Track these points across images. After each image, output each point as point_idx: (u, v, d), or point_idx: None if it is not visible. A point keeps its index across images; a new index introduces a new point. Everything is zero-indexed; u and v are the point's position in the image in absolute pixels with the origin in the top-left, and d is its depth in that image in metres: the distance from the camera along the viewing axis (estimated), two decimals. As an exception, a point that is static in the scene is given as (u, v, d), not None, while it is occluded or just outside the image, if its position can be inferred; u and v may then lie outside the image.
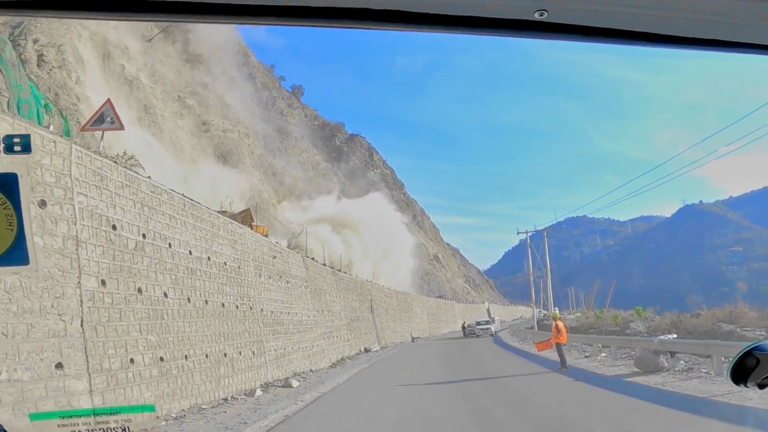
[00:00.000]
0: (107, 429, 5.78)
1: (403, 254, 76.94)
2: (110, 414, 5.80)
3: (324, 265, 32.73)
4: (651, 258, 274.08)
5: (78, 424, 5.54)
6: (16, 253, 2.80)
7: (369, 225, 67.10)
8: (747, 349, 1.48)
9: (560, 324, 18.97)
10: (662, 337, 17.76)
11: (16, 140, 2.94)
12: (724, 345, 14.36)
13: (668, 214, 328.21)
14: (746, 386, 1.52)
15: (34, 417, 6.81)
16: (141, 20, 1.59)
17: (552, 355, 19.80)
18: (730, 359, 1.51)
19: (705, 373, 14.14)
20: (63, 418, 5.80)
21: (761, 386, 1.50)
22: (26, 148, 2.91)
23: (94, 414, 5.83)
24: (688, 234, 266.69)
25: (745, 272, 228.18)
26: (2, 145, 2.90)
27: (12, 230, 2.78)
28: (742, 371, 1.49)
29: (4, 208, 2.77)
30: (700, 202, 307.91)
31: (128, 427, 5.92)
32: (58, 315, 9.07)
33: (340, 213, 63.04)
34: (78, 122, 26.33)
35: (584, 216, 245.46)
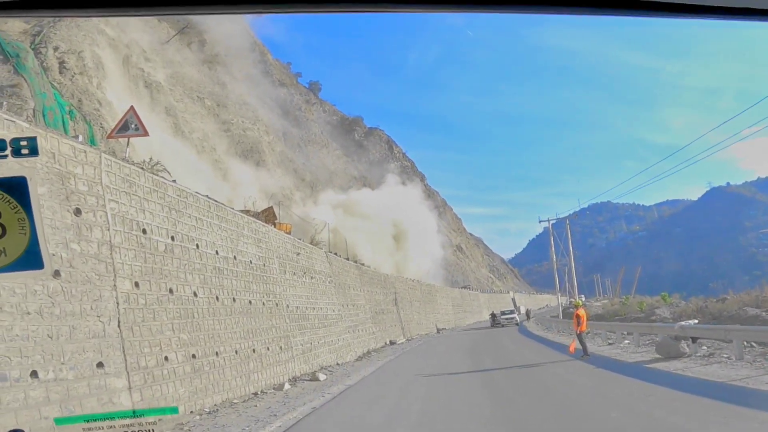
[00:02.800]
0: None
1: (429, 238, 76.36)
2: (134, 417, 6.17)
3: (347, 259, 33.15)
4: (679, 242, 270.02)
5: (103, 428, 5.91)
6: (31, 258, 2.78)
7: (392, 210, 66.84)
8: None
9: (581, 312, 19.07)
10: (683, 322, 17.81)
11: (24, 143, 2.83)
12: (743, 329, 14.40)
13: (695, 198, 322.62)
14: None
15: (60, 421, 7.05)
16: (150, 14, 1.68)
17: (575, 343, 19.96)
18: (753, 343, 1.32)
19: (726, 358, 14.21)
20: (87, 422, 6.12)
21: None
22: (33, 151, 2.91)
23: (119, 417, 6.18)
24: (716, 217, 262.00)
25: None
26: (10, 148, 2.81)
27: (25, 234, 2.77)
28: None
29: (16, 212, 2.76)
30: (728, 184, 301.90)
31: (153, 430, 6.26)
32: (97, 317, 9.58)
33: (360, 203, 63.02)
34: (101, 127, 27.05)
35: (608, 202, 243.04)
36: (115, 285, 10.27)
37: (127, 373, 10.03)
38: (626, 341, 21.77)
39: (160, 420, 10.56)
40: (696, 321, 19.24)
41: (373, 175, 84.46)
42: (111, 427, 5.92)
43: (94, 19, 37.19)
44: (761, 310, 20.59)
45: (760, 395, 9.20)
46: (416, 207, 79.12)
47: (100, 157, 10.74)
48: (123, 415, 6.18)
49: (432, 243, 78.83)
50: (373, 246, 55.83)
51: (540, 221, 51.74)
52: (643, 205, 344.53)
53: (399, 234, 67.93)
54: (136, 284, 11.00)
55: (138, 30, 44.60)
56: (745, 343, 14.62)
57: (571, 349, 19.11)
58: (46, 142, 9.39)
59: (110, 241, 10.42)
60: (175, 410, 7.95)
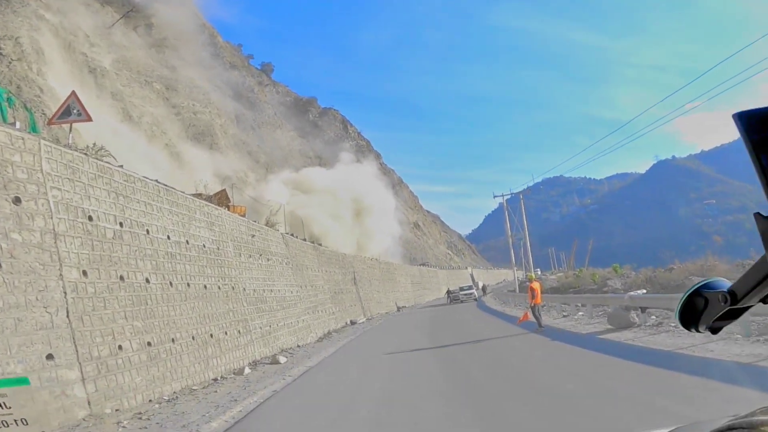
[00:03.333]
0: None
1: (387, 216, 76.14)
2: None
3: (304, 240, 32.98)
4: (628, 214, 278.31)
5: None
6: None
7: (350, 187, 66.35)
8: (694, 289, 1.28)
9: (535, 285, 19.49)
10: (632, 293, 18.36)
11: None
12: (689, 297, 14.87)
13: (642, 171, 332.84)
14: (698, 330, 1.30)
15: None
16: None
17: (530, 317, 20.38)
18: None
19: (674, 327, 14.67)
20: None
21: (713, 330, 1.30)
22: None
23: None
24: (662, 189, 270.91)
25: (720, 225, 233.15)
26: None
27: None
28: (692, 314, 1.28)
29: None
30: (673, 157, 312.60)
31: (4, 403, 5.90)
32: (44, 307, 9.26)
33: (315, 181, 62.32)
34: (43, 114, 25.99)
35: (561, 176, 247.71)
36: (61, 274, 9.93)
37: (80, 364, 9.76)
38: (580, 313, 22.32)
39: (117, 410, 10.37)
40: (645, 291, 19.86)
41: (328, 155, 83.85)
42: None
43: (32, 3, 35.70)
44: (706, 278, 21.35)
45: (704, 362, 9.57)
46: (373, 183, 78.80)
47: (39, 143, 10.31)
48: None
49: (390, 220, 78.76)
50: (333, 224, 55.54)
51: (494, 196, 52.14)
52: (594, 178, 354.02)
53: (359, 210, 67.53)
54: (84, 273, 10.67)
55: (81, 15, 42.95)
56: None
57: (521, 319, 19.57)
58: (-20, 128, 8.96)
59: (54, 230, 10.05)
60: (26, 381, 7.57)
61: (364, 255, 51.75)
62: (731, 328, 12.65)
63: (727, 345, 10.85)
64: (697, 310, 1.27)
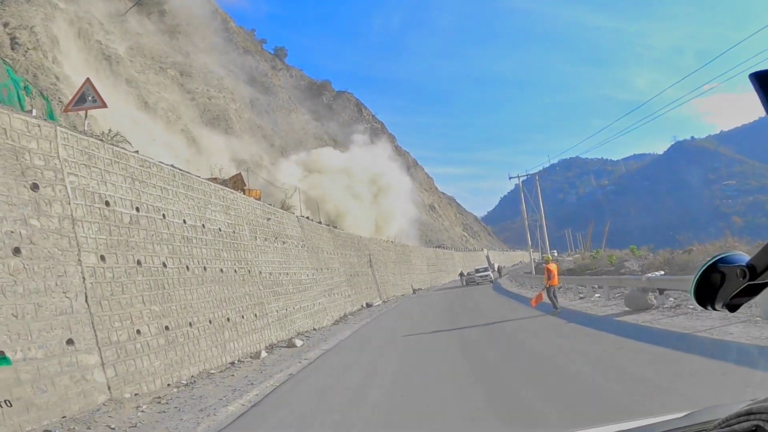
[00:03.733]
0: None
1: (404, 196, 75.80)
2: None
3: (319, 222, 33.06)
4: (646, 195, 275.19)
5: None
6: None
7: (364, 168, 66.18)
8: (710, 263, 1.20)
9: (552, 267, 19.38)
10: (649, 274, 18.18)
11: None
12: (707, 279, 14.68)
13: (660, 152, 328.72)
14: (714, 308, 1.22)
15: None
16: None
17: (547, 299, 20.30)
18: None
19: (692, 309, 14.53)
20: None
21: (731, 308, 1.21)
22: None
23: None
24: (681, 170, 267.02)
25: (740, 206, 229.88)
26: None
27: None
28: (708, 290, 1.21)
29: None
30: (692, 138, 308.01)
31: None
32: (63, 293, 9.38)
33: (330, 162, 62.27)
34: (60, 102, 26.18)
35: (577, 157, 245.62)
36: (79, 259, 10.05)
37: (99, 348, 9.90)
38: (597, 295, 22.18)
39: (137, 395, 10.53)
40: (662, 272, 19.65)
41: (343, 138, 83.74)
42: None
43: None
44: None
45: (724, 345, 9.45)
46: (388, 164, 78.61)
47: (56, 130, 10.39)
48: None
49: (406, 201, 78.60)
50: (351, 204, 55.57)
51: (510, 178, 51.56)
52: (611, 159, 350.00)
53: (377, 191, 67.33)
54: (102, 258, 10.78)
55: (94, 2, 43.02)
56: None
57: (534, 301, 19.48)
58: (-3, 116, 9.03)
59: (72, 215, 10.15)
60: (7, 361, 7.67)
61: (381, 236, 51.82)
62: (751, 310, 12.52)
63: (747, 327, 10.71)
64: (714, 287, 1.21)
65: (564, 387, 7.95)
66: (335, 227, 37.28)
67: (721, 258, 1.21)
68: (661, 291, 16.26)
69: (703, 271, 1.22)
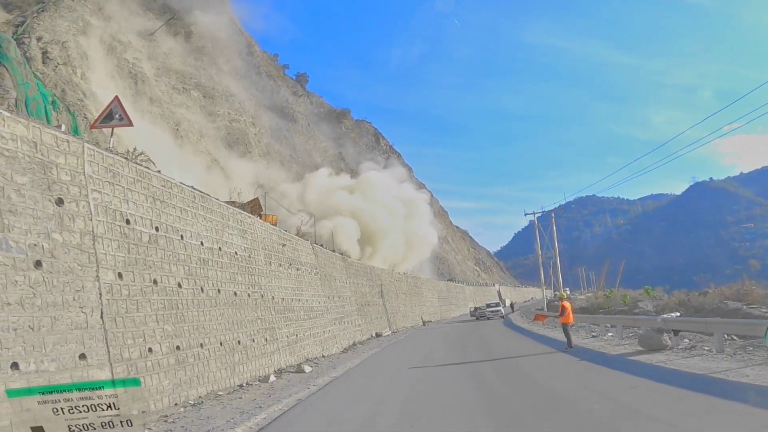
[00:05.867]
0: (91, 405, 5.90)
1: (423, 222, 74.86)
2: (92, 389, 5.97)
3: (333, 251, 33.13)
4: (662, 236, 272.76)
5: (59, 401, 5.73)
6: None
7: (393, 193, 65.59)
8: None
9: (566, 304, 19.27)
10: (665, 315, 18.00)
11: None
12: (724, 322, 14.53)
13: (678, 192, 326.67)
14: None
15: (12, 394, 6.65)
16: None
17: (560, 335, 20.13)
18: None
19: (707, 350, 14.37)
20: (42, 394, 5.90)
21: None
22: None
23: (77, 389, 5.96)
24: (699, 211, 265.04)
25: (757, 249, 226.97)
26: None
27: None
28: None
29: None
30: (711, 179, 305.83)
31: (114, 404, 6.05)
32: (80, 307, 9.49)
33: (345, 197, 62.29)
34: (85, 117, 26.75)
35: (593, 195, 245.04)
36: (97, 276, 10.17)
37: (110, 364, 9.96)
38: (610, 334, 21.97)
39: (144, 412, 10.51)
40: (678, 314, 19.43)
41: (360, 168, 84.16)
42: (68, 400, 5.79)
43: (78, 8, 36.77)
44: (742, 303, 20.81)
45: (740, 387, 9.31)
46: (413, 191, 78.50)
47: (83, 146, 10.62)
48: (79, 387, 6.01)
49: (431, 226, 77.79)
50: (388, 224, 55.37)
51: (525, 214, 51.77)
52: (627, 199, 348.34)
53: (408, 214, 66.40)
54: (120, 275, 10.91)
55: (124, 20, 44.07)
56: (726, 335, 14.81)
57: (537, 318, 19.29)
58: (28, 131, 9.26)
59: (93, 232, 10.32)
60: (136, 382, 7.73)
61: (410, 257, 51.44)
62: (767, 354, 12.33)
63: (763, 370, 10.58)
64: None
65: (576, 424, 7.85)
66: (348, 257, 37.26)
67: None
68: (676, 332, 16.13)
69: None
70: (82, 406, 5.84)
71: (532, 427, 8.01)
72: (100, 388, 6.05)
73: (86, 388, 5.97)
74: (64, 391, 5.89)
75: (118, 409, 5.88)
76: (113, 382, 6.52)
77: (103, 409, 5.86)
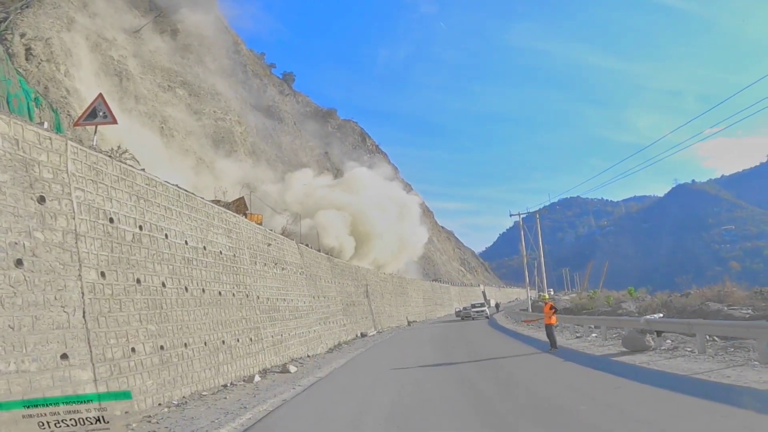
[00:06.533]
0: (79, 419, 5.73)
1: (413, 222, 74.41)
2: (80, 402, 5.82)
3: (318, 251, 33.05)
4: (645, 237, 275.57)
5: (45, 414, 5.56)
6: None
7: (384, 192, 65.15)
8: None
9: (550, 305, 19.36)
10: (648, 316, 18.17)
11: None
12: (706, 324, 14.70)
13: (661, 194, 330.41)
14: None
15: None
16: None
17: (544, 336, 20.19)
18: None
19: (689, 351, 14.52)
20: (28, 407, 5.71)
21: None
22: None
23: (64, 403, 5.80)
24: (681, 213, 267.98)
25: (738, 251, 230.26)
26: None
27: None
28: None
29: None
30: (693, 181, 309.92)
31: (103, 417, 5.88)
32: (61, 307, 9.37)
33: (336, 194, 61.90)
34: (69, 115, 26.42)
35: (577, 197, 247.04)
36: (80, 275, 10.05)
37: (93, 364, 9.84)
38: (594, 334, 22.12)
39: (127, 413, 10.41)
40: (661, 315, 19.66)
41: (346, 167, 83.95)
42: (54, 414, 5.64)
43: (62, 5, 36.31)
44: (723, 304, 21.10)
45: (721, 388, 9.41)
46: (400, 191, 78.27)
47: (66, 144, 10.49)
48: (67, 401, 5.89)
49: (420, 225, 77.44)
50: (380, 223, 55.05)
51: (510, 215, 52.09)
52: (611, 200, 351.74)
53: (399, 213, 65.88)
54: (102, 274, 10.79)
55: (109, 17, 43.60)
56: (708, 336, 14.99)
57: (527, 321, 19.41)
58: (9, 128, 9.12)
59: (75, 230, 10.19)
60: (128, 395, 7.58)
61: (402, 256, 51.30)
62: (749, 354, 12.49)
63: (744, 371, 10.71)
64: None
65: (561, 425, 7.88)
66: (333, 257, 37.18)
67: None
68: (659, 333, 16.30)
69: None
70: (69, 419, 5.71)
71: (519, 428, 8.02)
72: (88, 401, 5.90)
73: (73, 402, 5.83)
74: (51, 404, 5.74)
75: (107, 423, 5.74)
76: (100, 396, 6.35)
77: (91, 423, 5.72)
